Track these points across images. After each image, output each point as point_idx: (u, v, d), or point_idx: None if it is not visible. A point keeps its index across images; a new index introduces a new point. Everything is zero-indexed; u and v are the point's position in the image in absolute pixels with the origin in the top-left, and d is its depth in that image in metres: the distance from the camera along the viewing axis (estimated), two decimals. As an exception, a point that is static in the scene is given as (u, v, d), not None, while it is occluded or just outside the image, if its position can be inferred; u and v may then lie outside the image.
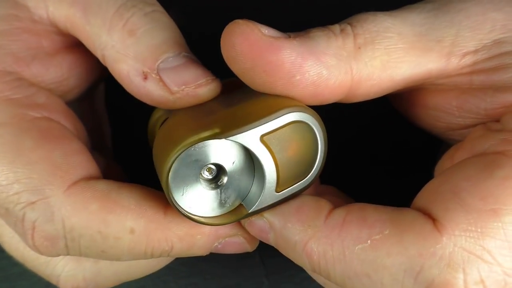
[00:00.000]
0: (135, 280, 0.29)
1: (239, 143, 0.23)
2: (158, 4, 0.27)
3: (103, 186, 0.25)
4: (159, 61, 0.25)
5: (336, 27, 0.24)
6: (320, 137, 0.24)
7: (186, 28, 0.28)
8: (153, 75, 0.25)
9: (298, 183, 0.24)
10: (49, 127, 0.25)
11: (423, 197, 0.24)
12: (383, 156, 0.35)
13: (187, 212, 0.24)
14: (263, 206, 0.24)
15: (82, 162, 0.25)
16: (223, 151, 0.23)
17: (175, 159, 0.22)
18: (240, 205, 0.25)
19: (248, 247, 0.26)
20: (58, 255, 0.25)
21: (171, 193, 0.23)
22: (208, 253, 0.26)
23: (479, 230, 0.21)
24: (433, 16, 0.25)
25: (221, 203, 0.24)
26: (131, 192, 0.25)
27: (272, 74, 0.23)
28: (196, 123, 0.24)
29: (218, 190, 0.24)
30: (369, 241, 0.22)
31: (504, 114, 0.24)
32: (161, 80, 0.25)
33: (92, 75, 0.30)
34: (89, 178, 0.25)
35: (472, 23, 0.25)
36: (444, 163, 0.26)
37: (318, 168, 0.25)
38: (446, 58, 0.25)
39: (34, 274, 0.29)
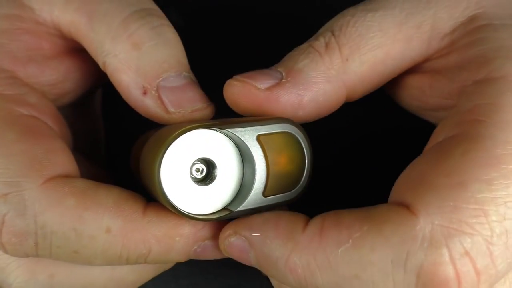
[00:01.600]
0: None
1: (234, 141, 0.24)
2: (165, 17, 0.27)
3: (81, 183, 0.24)
4: (160, 79, 0.25)
5: (321, 43, 0.25)
6: (307, 153, 0.25)
7: (184, 28, 0.28)
8: (153, 92, 0.25)
9: (285, 194, 0.25)
10: (35, 124, 0.25)
11: (394, 191, 0.24)
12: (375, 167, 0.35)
13: (172, 203, 0.23)
14: (249, 207, 0.24)
15: (63, 161, 0.25)
16: (217, 148, 0.24)
17: (172, 142, 0.23)
18: (225, 208, 0.25)
19: None
20: (26, 255, 0.25)
21: (160, 181, 0.23)
22: (187, 259, 0.25)
23: (451, 204, 0.21)
24: None
25: (208, 202, 0.24)
26: (109, 191, 0.24)
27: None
28: (194, 122, 0.24)
29: (206, 188, 0.24)
30: (350, 241, 0.22)
31: (460, 94, 0.25)
32: (159, 98, 0.25)
33: (89, 81, 0.30)
34: (68, 176, 0.25)
35: (448, 1, 0.26)
36: None
37: (305, 182, 0.25)
38: (427, 43, 0.26)
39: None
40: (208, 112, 0.26)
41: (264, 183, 0.24)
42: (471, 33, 0.25)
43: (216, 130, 0.24)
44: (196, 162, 0.24)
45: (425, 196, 0.22)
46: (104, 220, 0.24)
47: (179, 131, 0.23)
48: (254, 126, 0.24)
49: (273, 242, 0.23)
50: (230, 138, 0.24)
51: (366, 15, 0.25)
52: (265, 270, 0.24)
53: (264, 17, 0.35)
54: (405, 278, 0.21)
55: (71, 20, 0.27)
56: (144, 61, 0.25)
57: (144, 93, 0.25)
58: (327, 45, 0.25)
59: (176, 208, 0.23)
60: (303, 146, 0.25)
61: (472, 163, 0.22)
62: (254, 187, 0.24)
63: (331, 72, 0.25)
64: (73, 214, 0.23)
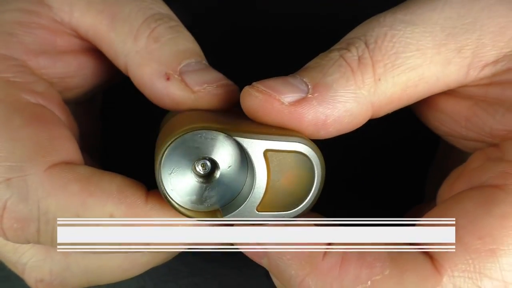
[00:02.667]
0: (134, 281, 0.29)
1: (242, 148, 0.23)
2: (179, 21, 0.28)
3: (85, 170, 0.24)
4: (181, 65, 0.26)
5: (353, 56, 0.24)
6: (317, 178, 0.24)
7: (190, 27, 0.28)
8: (176, 76, 0.25)
9: (282, 213, 0.24)
10: (41, 112, 0.25)
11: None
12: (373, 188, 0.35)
13: (165, 190, 0.23)
14: (239, 218, 0.24)
15: (68, 148, 0.25)
16: (224, 152, 0.23)
17: (183, 134, 0.22)
18: (218, 209, 0.24)
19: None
20: (28, 242, 0.24)
21: (161, 165, 0.23)
22: (188, 246, 0.25)
23: (477, 270, 0.21)
24: (456, 14, 0.24)
25: (201, 200, 0.24)
26: (113, 178, 0.24)
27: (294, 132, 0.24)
28: (210, 117, 0.24)
29: (204, 186, 0.24)
30: (369, 282, 0.22)
31: (507, 139, 0.24)
32: (183, 80, 0.25)
33: (97, 80, 0.30)
34: (72, 163, 0.25)
35: (494, 26, 0.24)
36: (445, 191, 0.26)
37: (307, 206, 0.24)
38: (466, 70, 0.24)
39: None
40: (233, 89, 0.25)
41: (260, 198, 0.23)
42: None
43: (224, 134, 0.23)
44: (201, 160, 0.24)
45: (453, 255, 0.22)
46: (107, 206, 0.24)
47: (194, 125, 0.23)
48: (264, 139, 0.23)
49: (290, 260, 0.23)
50: (238, 144, 0.23)
51: (405, 29, 0.24)
52: (275, 276, 0.24)
53: (271, 16, 0.35)
54: None
55: (92, 23, 0.27)
56: (165, 51, 0.26)
57: (167, 79, 0.25)
58: (360, 59, 0.24)
59: (168, 198, 0.23)
60: (315, 169, 0.24)
61: (509, 231, 0.21)
62: (248, 200, 0.23)
63: (361, 92, 0.23)
64: (77, 200, 0.23)
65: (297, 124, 0.23)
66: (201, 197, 0.24)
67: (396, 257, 0.22)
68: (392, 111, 0.25)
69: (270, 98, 0.23)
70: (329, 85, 0.23)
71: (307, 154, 0.23)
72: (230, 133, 0.23)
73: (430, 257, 0.22)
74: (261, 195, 0.23)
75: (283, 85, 0.23)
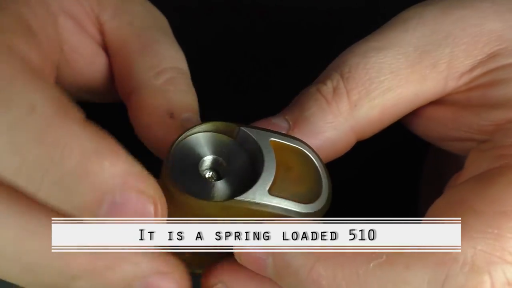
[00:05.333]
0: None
1: (246, 147, 0.24)
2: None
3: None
4: (185, 114, 0.26)
5: (328, 88, 0.25)
6: (322, 174, 0.24)
7: (179, 27, 0.28)
8: (178, 119, 0.26)
9: (297, 203, 0.23)
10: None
11: (431, 214, 0.23)
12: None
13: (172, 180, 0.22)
14: (252, 199, 0.22)
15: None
16: (227, 151, 0.24)
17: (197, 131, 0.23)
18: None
19: None
20: None
21: (174, 147, 0.23)
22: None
23: (495, 231, 0.21)
24: (429, 31, 0.25)
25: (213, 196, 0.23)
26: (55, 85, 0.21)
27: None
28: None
29: (212, 183, 0.24)
30: (384, 256, 0.21)
31: (495, 131, 0.24)
32: (183, 125, 0.25)
33: (94, 75, 0.30)
34: None
35: (467, 37, 0.25)
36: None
37: (322, 203, 0.24)
38: (443, 82, 0.25)
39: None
40: None
41: (271, 180, 0.23)
42: (493, 72, 0.25)
43: (228, 136, 0.24)
44: (205, 159, 0.24)
45: (468, 219, 0.21)
46: (32, 94, 0.18)
47: (209, 122, 0.24)
48: (270, 132, 0.24)
49: (295, 251, 0.21)
50: (242, 144, 0.24)
51: (378, 55, 0.25)
52: (283, 281, 0.22)
53: (264, 14, 0.35)
54: None
55: (125, 40, 0.27)
56: (177, 96, 0.26)
57: (170, 117, 0.26)
58: (334, 90, 0.25)
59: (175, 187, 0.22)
60: (318, 166, 0.24)
61: None
62: (259, 179, 0.23)
63: (338, 120, 0.25)
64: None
65: None
66: (211, 194, 0.24)
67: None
68: (379, 130, 0.26)
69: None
70: (307, 119, 0.25)
71: (308, 153, 0.24)
72: (236, 125, 0.24)
73: None
74: (272, 178, 0.23)
75: (266, 125, 0.25)
